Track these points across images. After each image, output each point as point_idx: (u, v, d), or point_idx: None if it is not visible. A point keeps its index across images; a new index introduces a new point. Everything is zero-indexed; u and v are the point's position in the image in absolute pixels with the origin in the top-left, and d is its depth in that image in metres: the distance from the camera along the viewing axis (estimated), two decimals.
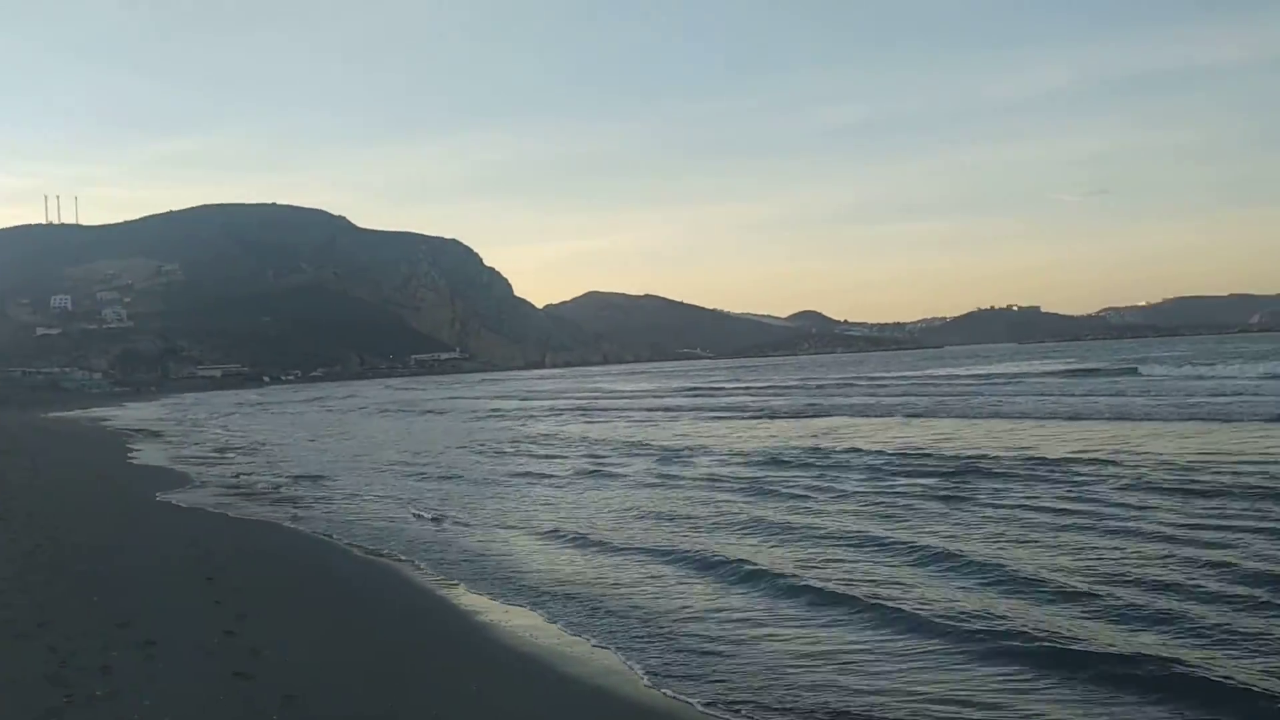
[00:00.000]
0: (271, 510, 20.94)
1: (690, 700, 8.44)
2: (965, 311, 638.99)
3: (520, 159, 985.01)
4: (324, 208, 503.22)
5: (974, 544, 13.64)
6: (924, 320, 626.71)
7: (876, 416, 41.52)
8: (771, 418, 44.91)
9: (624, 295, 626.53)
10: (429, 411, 70.86)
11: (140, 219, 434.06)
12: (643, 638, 10.29)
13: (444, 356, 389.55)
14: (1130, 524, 14.52)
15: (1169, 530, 14.02)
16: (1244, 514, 14.96)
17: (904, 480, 20.33)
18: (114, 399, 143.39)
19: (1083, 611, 10.35)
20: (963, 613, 10.42)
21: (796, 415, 45.64)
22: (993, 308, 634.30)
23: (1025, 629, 9.77)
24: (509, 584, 13.03)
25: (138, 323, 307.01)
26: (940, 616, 10.28)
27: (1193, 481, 18.34)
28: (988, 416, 38.08)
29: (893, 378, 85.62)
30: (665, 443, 33.13)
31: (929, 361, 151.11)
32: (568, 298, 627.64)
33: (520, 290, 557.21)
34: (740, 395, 70.09)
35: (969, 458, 23.36)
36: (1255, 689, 7.94)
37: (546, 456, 31.04)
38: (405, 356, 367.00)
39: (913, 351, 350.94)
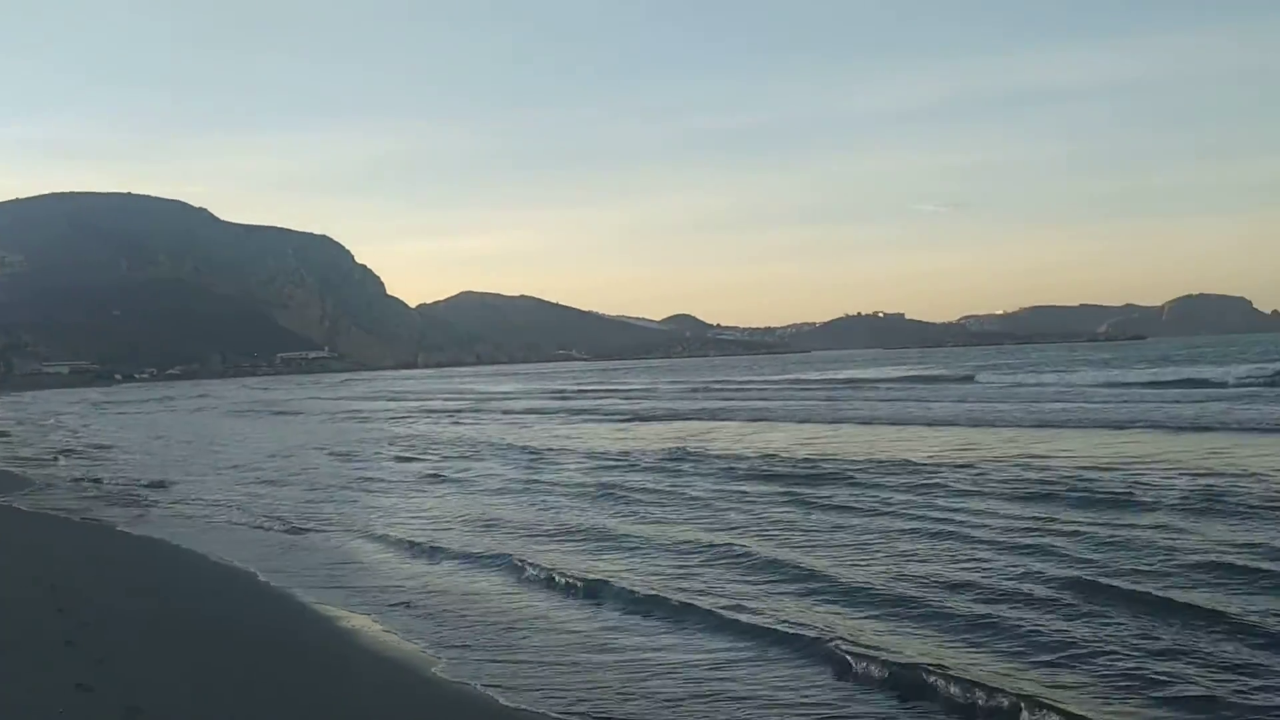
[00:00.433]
0: (113, 514, 20.06)
1: (542, 711, 8.37)
2: (832, 317, 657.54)
3: (396, 156, 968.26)
4: (183, 198, 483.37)
5: (792, 550, 13.80)
6: (793, 325, 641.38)
7: (741, 420, 42.04)
8: (639, 420, 45.13)
9: (499, 296, 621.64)
10: (284, 413, 68.86)
11: None
12: (489, 648, 10.17)
13: (312, 355, 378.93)
14: (945, 527, 14.87)
15: (971, 532, 14.41)
16: (1045, 517, 15.46)
17: (752, 485, 20.14)
18: None
19: (888, 616, 10.56)
20: (784, 620, 10.54)
21: (662, 418, 45.87)
22: (859, 314, 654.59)
23: (822, 633, 9.97)
24: (357, 592, 12.81)
25: None
26: (760, 623, 10.36)
27: (991, 483, 19.11)
28: (833, 421, 39.02)
29: (760, 381, 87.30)
30: (525, 446, 32.79)
31: (797, 365, 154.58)
32: (442, 297, 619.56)
33: (393, 289, 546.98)
34: (610, 398, 70.27)
35: (815, 461, 23.76)
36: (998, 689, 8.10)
37: (402, 459, 30.46)
38: (271, 355, 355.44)
39: (782, 355, 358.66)
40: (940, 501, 17.36)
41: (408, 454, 32.10)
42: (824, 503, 17.78)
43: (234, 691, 8.67)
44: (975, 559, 12.77)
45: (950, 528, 14.83)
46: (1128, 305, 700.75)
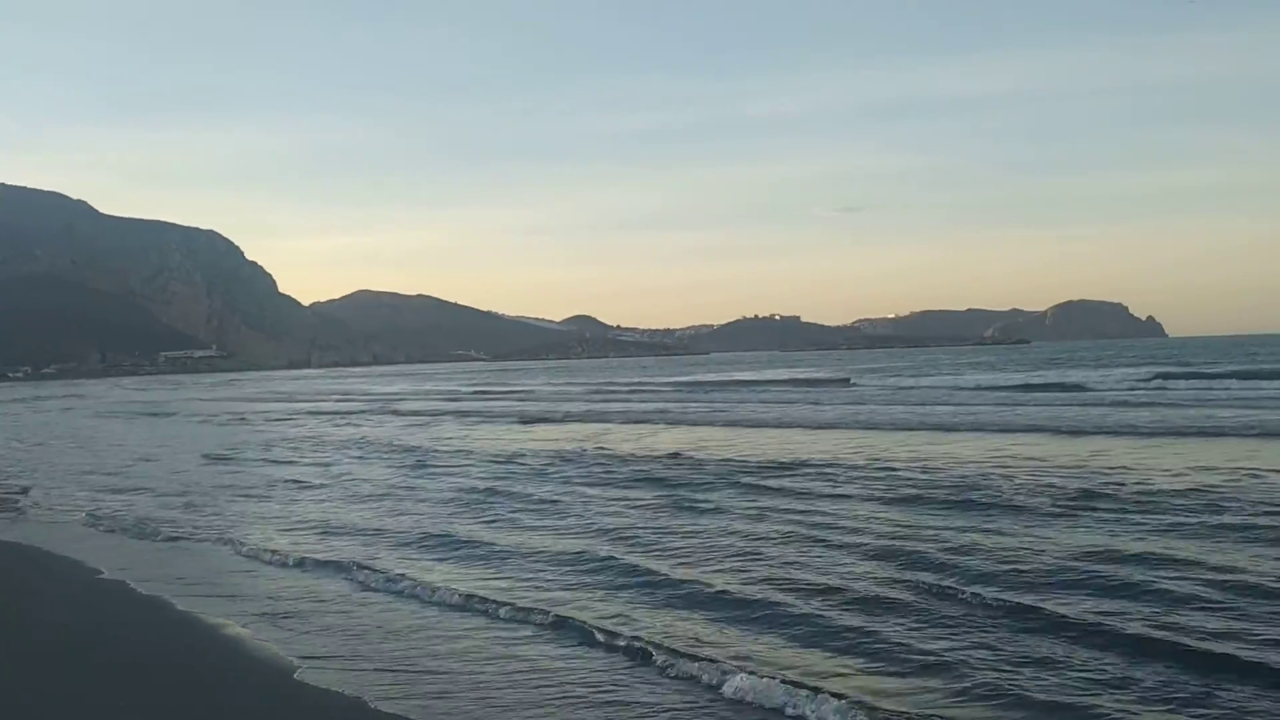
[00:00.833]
0: None
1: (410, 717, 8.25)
2: (731, 320, 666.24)
3: (292, 151, 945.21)
4: (61, 190, 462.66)
5: (644, 554, 13.66)
6: (692, 327, 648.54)
7: (626, 422, 41.68)
8: (526, 423, 44.45)
9: (397, 295, 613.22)
10: (159, 414, 66.18)
11: None
12: (355, 657, 9.90)
13: (198, 354, 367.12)
14: (799, 530, 14.92)
15: (823, 534, 14.47)
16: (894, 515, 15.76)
17: (618, 490, 19.79)
18: None
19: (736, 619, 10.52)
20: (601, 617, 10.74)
21: (551, 420, 45.23)
22: (756, 316, 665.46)
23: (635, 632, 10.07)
24: (225, 600, 12.43)
25: None
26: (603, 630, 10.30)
27: (858, 484, 19.37)
28: (725, 425, 39.01)
29: (653, 383, 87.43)
30: (407, 448, 31.90)
31: (692, 367, 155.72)
32: (337, 296, 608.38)
33: (285, 287, 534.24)
34: (503, 400, 69.38)
35: (698, 463, 23.62)
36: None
37: (276, 463, 29.31)
38: (154, 354, 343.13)
39: (681, 357, 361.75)
40: (800, 504, 17.36)
41: (282, 457, 31.01)
42: (695, 506, 17.62)
43: (103, 702, 8.50)
44: (818, 558, 12.83)
45: (804, 530, 14.90)
46: (1013, 310, 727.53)
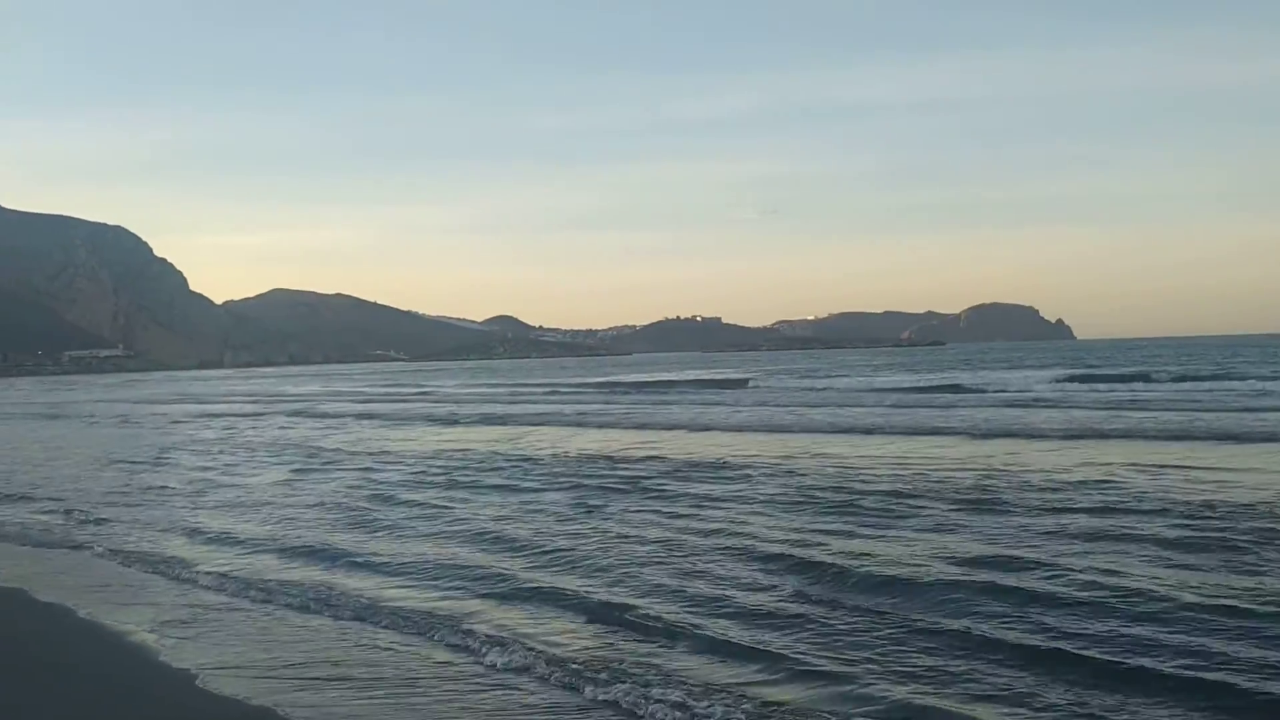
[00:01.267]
0: None
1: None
2: (653, 320, 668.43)
3: (203, 144, 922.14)
4: None
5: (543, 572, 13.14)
6: (615, 328, 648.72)
7: (552, 425, 41.01)
8: (437, 424, 43.64)
9: (314, 294, 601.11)
10: (57, 416, 63.63)
11: None
12: (258, 665, 9.77)
13: (104, 354, 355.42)
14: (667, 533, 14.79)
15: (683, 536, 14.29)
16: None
17: (507, 495, 19.51)
18: None
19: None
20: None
21: (462, 422, 44.34)
22: (679, 317, 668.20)
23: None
24: (130, 607, 12.15)
25: None
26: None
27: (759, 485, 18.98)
28: (634, 427, 38.68)
29: (568, 384, 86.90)
30: (306, 452, 31.04)
31: (615, 368, 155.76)
32: (252, 294, 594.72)
33: (197, 284, 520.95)
34: (416, 401, 68.22)
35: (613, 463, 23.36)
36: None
37: (171, 467, 28.22)
38: (58, 353, 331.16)
39: (603, 357, 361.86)
40: (697, 509, 17.05)
41: (174, 462, 29.83)
42: (600, 509, 17.13)
43: (3, 706, 8.50)
44: (711, 564, 12.39)
45: (694, 538, 14.44)
46: (928, 312, 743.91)
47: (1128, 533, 13.80)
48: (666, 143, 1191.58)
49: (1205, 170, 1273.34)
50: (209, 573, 13.74)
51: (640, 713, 8.07)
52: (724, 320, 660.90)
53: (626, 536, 14.85)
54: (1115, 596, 10.51)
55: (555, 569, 13.11)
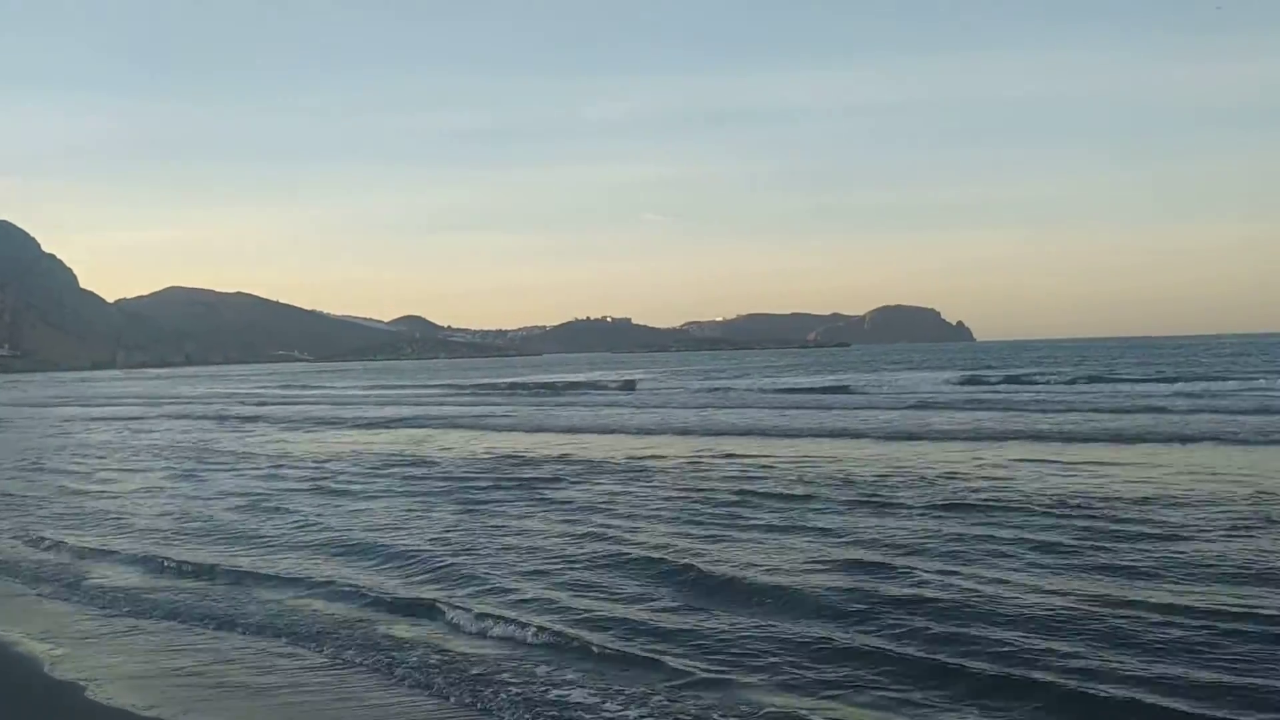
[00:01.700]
0: None
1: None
2: (564, 321, 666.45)
3: (96, 136, 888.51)
4: None
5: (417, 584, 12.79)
6: (525, 328, 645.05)
7: (442, 429, 40.18)
8: (328, 426, 42.65)
9: (212, 292, 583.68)
10: None
11: None
12: (146, 675, 9.62)
13: None
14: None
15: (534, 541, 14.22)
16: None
17: (391, 500, 19.20)
18: None
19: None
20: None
21: (357, 425, 43.45)
22: (589, 318, 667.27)
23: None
24: (16, 617, 11.91)
25: None
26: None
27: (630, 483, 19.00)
28: (531, 430, 38.19)
29: (476, 385, 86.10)
30: (195, 457, 29.97)
31: (526, 369, 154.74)
32: (146, 292, 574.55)
33: (88, 282, 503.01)
34: (310, 404, 66.73)
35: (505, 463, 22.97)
36: None
37: (51, 471, 27.18)
38: None
39: (513, 358, 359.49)
40: (581, 514, 16.78)
41: (55, 466, 28.75)
42: (485, 509, 16.80)
43: None
44: (585, 570, 12.17)
45: (570, 545, 14.12)
46: (834, 314, 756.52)
47: (1004, 535, 13.87)
48: (580, 144, 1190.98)
49: (1101, 176, 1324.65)
50: (93, 584, 13.38)
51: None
52: (634, 321, 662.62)
53: (509, 546, 14.44)
54: (986, 600, 10.47)
55: (426, 580, 12.81)
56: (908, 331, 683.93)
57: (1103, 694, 7.86)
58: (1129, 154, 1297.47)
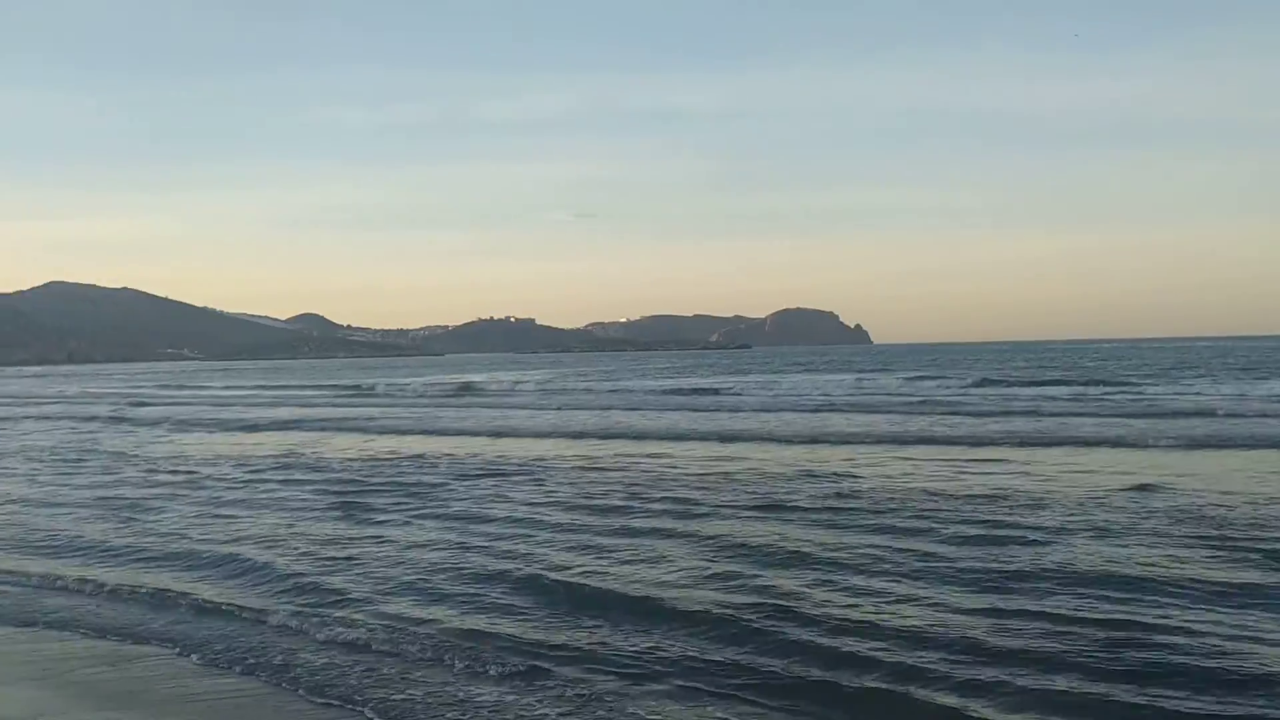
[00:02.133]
0: None
1: None
2: (466, 321, 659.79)
3: None
4: None
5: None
6: (427, 328, 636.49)
7: (342, 431, 38.41)
8: (190, 428, 41.02)
9: (96, 288, 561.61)
10: None
11: None
12: None
13: None
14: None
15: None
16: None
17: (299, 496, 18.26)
18: None
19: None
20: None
21: (224, 427, 41.71)
22: (492, 318, 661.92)
23: None
24: None
25: None
26: None
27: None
28: (423, 433, 37.20)
29: (368, 385, 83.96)
30: (61, 459, 28.10)
31: (427, 368, 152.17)
32: (25, 287, 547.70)
33: None
34: (185, 404, 63.93)
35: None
36: None
37: None
38: None
39: (415, 358, 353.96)
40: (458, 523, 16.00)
41: None
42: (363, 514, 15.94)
43: None
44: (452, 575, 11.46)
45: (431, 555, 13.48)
46: (736, 316, 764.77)
47: (880, 542, 13.55)
48: (486, 143, 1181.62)
49: (992, 183, 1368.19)
50: None
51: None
52: (538, 321, 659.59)
53: (381, 558, 13.65)
54: (861, 612, 10.12)
55: (283, 592, 11.91)
56: (807, 334, 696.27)
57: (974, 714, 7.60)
58: (1018, 162, 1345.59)
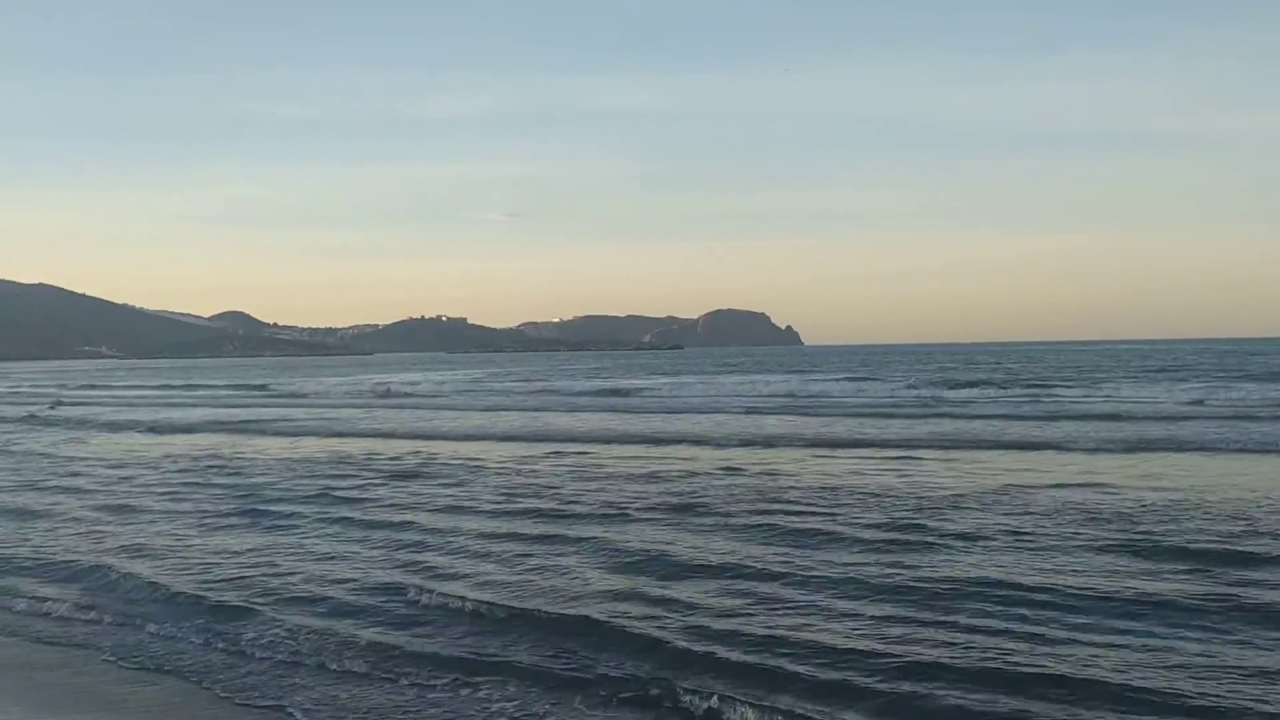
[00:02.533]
0: None
1: None
2: (397, 320, 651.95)
3: None
4: None
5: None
6: (356, 327, 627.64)
7: (263, 434, 37.11)
8: (102, 430, 39.52)
9: (10, 283, 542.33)
10: None
11: None
12: None
13: None
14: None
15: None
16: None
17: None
18: None
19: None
20: None
21: (122, 428, 40.55)
22: (423, 317, 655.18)
23: None
24: None
25: None
26: None
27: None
28: (332, 435, 36.27)
29: (287, 385, 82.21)
30: None
31: (354, 368, 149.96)
32: None
33: None
34: (94, 404, 61.68)
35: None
36: None
37: None
38: None
39: (344, 357, 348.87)
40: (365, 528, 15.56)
41: None
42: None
43: None
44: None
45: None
46: (669, 317, 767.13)
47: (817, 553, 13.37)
48: (418, 140, 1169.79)
49: (923, 185, 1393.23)
50: None
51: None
52: (470, 321, 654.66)
53: (274, 565, 13.20)
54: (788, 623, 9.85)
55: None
56: (739, 334, 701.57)
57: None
58: (949, 164, 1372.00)
